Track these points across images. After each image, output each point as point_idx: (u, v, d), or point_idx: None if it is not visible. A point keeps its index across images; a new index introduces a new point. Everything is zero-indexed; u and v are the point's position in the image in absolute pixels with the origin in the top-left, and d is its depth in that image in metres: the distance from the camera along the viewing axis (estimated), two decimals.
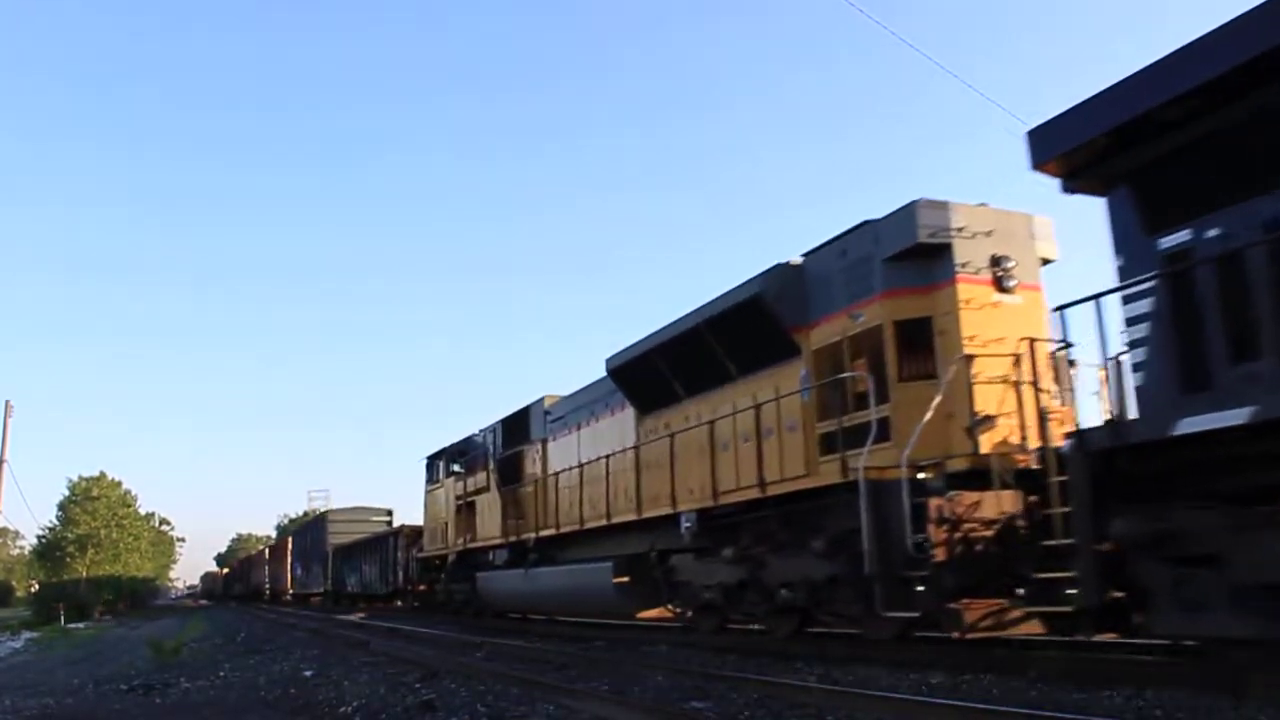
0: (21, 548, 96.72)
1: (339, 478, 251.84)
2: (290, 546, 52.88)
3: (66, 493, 63.76)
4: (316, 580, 42.06)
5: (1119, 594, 6.55)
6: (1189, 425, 5.90)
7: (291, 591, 50.39)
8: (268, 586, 57.47)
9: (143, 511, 73.70)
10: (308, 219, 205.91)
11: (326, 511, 42.75)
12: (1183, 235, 6.37)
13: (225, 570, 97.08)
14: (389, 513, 40.38)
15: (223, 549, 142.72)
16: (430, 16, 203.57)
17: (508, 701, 7.58)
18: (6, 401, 34.50)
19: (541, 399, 17.88)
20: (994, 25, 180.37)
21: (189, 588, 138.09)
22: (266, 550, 64.46)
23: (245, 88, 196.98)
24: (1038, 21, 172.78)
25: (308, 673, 10.93)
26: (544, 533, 16.33)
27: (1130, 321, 6.61)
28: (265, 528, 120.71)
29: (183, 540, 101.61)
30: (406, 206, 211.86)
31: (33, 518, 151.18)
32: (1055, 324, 7.40)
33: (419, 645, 14.15)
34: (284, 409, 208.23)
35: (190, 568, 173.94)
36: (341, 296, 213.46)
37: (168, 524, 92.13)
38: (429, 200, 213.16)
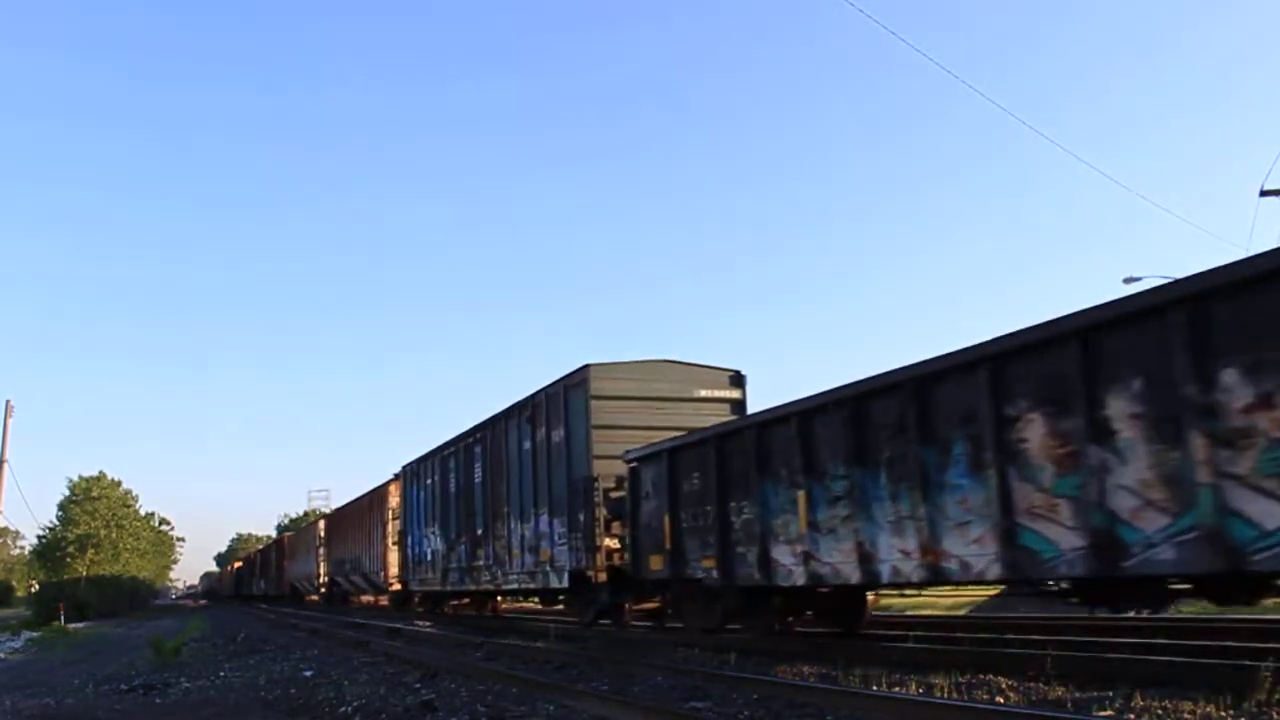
0: (21, 548, 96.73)
1: (339, 478, 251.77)
2: (398, 501, 25.74)
3: (66, 493, 63.75)
4: (518, 563, 16.72)
5: None
6: None
7: (396, 588, 26.21)
8: (323, 581, 36.28)
9: (143, 511, 73.69)
10: (311, 223, 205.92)
11: (587, 370, 14.75)
12: None
13: (237, 564, 77.91)
14: (738, 378, 15.62)
15: (223, 549, 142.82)
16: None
17: (508, 701, 7.58)
18: (7, 401, 34.54)
19: None
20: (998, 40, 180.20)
21: (189, 588, 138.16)
22: (320, 525, 38.50)
23: (255, 101, 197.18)
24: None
25: (308, 673, 10.92)
26: None
27: None
28: (265, 528, 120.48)
29: (182, 540, 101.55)
30: (408, 209, 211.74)
31: (33, 518, 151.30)
32: None
33: (419, 645, 14.13)
34: (284, 409, 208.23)
35: (190, 568, 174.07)
36: (341, 296, 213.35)
37: (168, 524, 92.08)
38: (430, 201, 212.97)
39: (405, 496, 24.60)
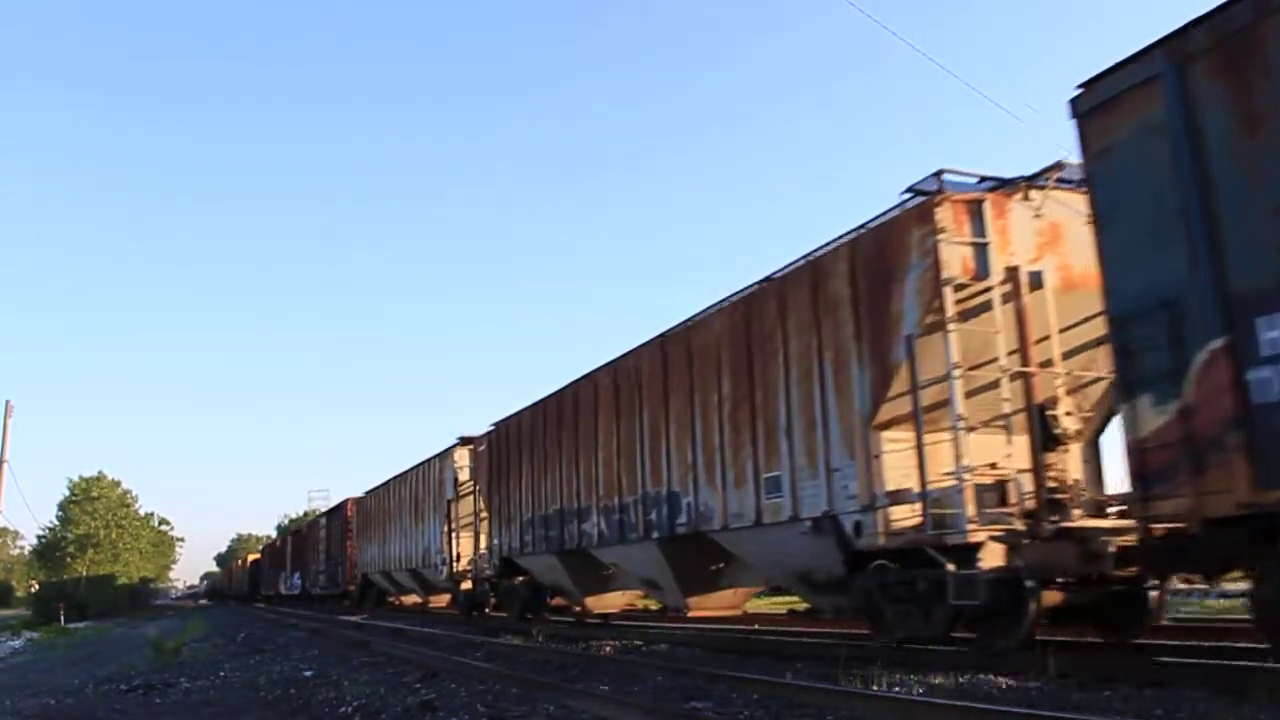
0: (21, 548, 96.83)
1: (339, 478, 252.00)
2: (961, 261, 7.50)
3: (66, 493, 63.87)
4: None
5: None
6: None
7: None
8: (464, 569, 19.69)
9: (142, 511, 73.76)
10: (311, 221, 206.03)
11: None
12: None
13: (253, 557, 66.95)
14: None
15: (223, 549, 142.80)
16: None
17: (508, 701, 7.57)
18: (6, 401, 34.56)
19: None
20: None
21: (189, 588, 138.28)
22: (457, 454, 20.07)
23: (257, 88, 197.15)
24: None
25: (308, 673, 10.92)
26: None
27: None
28: (265, 528, 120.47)
29: (182, 540, 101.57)
30: (408, 206, 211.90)
31: (33, 518, 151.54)
32: None
33: (419, 645, 14.13)
34: (284, 409, 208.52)
35: (190, 568, 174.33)
36: (340, 296, 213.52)
37: (167, 524, 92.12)
38: (431, 197, 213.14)
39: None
